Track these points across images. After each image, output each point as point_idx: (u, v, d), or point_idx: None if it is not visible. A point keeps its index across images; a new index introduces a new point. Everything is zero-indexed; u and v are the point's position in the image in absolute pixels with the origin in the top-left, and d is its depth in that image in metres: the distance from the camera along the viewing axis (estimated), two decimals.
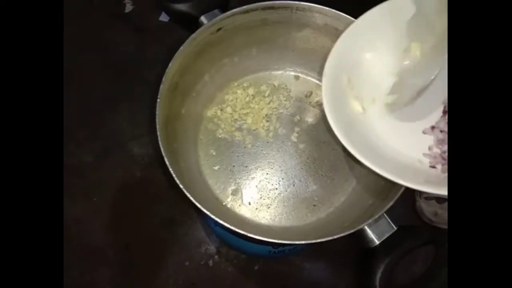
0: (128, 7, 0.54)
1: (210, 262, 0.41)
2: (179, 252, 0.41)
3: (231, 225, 0.28)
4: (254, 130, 0.41)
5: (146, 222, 0.42)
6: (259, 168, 0.40)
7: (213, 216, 0.28)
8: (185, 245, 0.42)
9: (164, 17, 0.52)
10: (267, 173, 0.40)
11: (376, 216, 0.30)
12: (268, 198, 0.39)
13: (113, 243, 0.41)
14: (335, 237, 0.28)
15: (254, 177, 0.39)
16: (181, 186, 0.29)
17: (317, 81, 0.43)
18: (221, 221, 0.28)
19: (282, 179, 0.40)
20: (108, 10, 0.53)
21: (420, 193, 0.42)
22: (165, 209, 0.43)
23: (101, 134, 0.46)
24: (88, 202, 0.43)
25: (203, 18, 0.36)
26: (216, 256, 0.42)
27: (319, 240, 0.28)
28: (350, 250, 0.40)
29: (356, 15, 0.33)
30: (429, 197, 0.41)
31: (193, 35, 0.33)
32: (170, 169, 0.29)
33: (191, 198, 0.29)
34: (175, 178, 0.29)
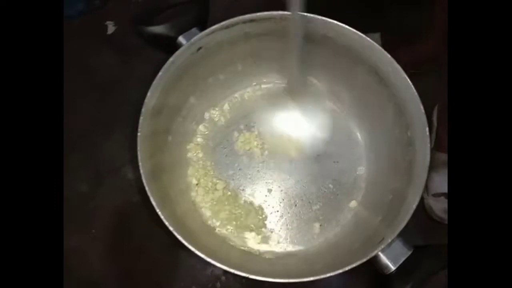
0: (111, 28, 0.53)
1: (218, 284, 0.39)
2: (184, 277, 0.40)
3: (229, 267, 0.26)
4: (248, 150, 0.39)
5: (147, 247, 0.41)
6: (256, 191, 0.37)
7: (209, 260, 0.26)
8: (190, 268, 0.40)
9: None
10: (265, 195, 0.37)
11: (389, 240, 0.27)
12: (269, 222, 0.36)
13: (114, 271, 0.40)
14: (346, 269, 0.26)
15: (252, 201, 0.37)
16: (170, 228, 0.27)
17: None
18: (219, 264, 0.26)
19: (283, 199, 0.37)
20: (91, 32, 0.52)
21: (428, 190, 0.39)
22: (165, 232, 0.42)
23: (93, 160, 0.45)
24: (86, 232, 0.41)
25: (181, 38, 0.34)
26: (223, 277, 0.40)
27: (328, 275, 0.26)
28: (361, 265, 0.38)
29: (341, 20, 0.32)
30: (437, 193, 0.39)
31: (170, 59, 0.31)
32: (158, 211, 0.27)
33: (183, 242, 0.26)
34: (164, 221, 0.27)
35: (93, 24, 0.52)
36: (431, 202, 0.39)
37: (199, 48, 0.33)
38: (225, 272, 0.39)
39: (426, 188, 0.39)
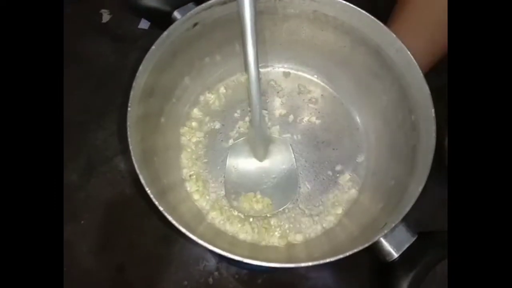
0: (106, 17, 0.52)
1: (210, 280, 0.39)
2: (176, 271, 0.39)
3: (225, 250, 0.24)
4: (244, 134, 0.37)
5: (139, 240, 0.40)
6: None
7: (203, 243, 0.24)
8: (182, 263, 0.39)
9: (143, 25, 0.50)
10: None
11: (392, 225, 0.26)
12: (267, 211, 0.35)
13: (105, 265, 0.39)
14: (347, 254, 0.24)
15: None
16: (160, 208, 0.25)
17: (309, 76, 0.40)
18: (213, 248, 0.24)
19: None
20: (85, 21, 0.52)
21: None
22: (158, 225, 0.41)
23: (85, 150, 0.44)
24: (76, 224, 0.41)
25: (176, 13, 0.33)
26: (216, 273, 0.39)
27: (328, 260, 0.24)
28: (358, 256, 0.37)
29: None
30: None
31: (165, 33, 0.30)
32: (148, 190, 0.25)
33: (175, 224, 0.25)
34: (154, 201, 0.25)
35: (88, 12, 0.51)
36: None
37: (195, 24, 0.32)
38: (218, 267, 0.39)
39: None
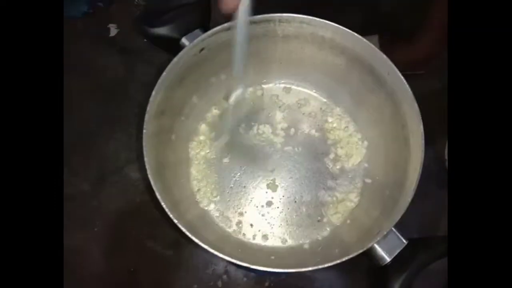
0: (113, 31, 0.53)
1: (219, 283, 0.40)
2: (186, 275, 0.40)
3: (232, 257, 0.27)
4: (249, 147, 0.40)
5: (149, 246, 0.41)
6: (257, 188, 0.38)
7: (211, 250, 0.27)
8: (192, 267, 0.41)
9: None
10: (266, 192, 0.38)
11: (385, 232, 0.28)
12: (270, 218, 0.37)
13: (116, 270, 0.40)
14: (344, 259, 0.27)
15: (253, 198, 0.38)
16: (175, 221, 0.28)
17: (308, 91, 0.42)
18: (220, 255, 0.27)
19: (283, 196, 0.38)
20: (93, 35, 0.53)
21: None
22: (167, 232, 0.42)
23: (96, 160, 0.45)
24: (88, 232, 0.42)
25: (184, 40, 0.35)
26: (225, 276, 0.40)
27: (326, 265, 0.27)
28: (362, 259, 0.39)
29: (339, 22, 0.33)
30: None
31: (174, 60, 0.32)
32: (163, 204, 0.28)
33: (187, 233, 0.27)
34: (167, 211, 0.28)
35: (96, 26, 0.52)
36: None
37: (202, 49, 0.34)
38: (227, 270, 0.40)
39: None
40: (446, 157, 0.42)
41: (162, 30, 0.35)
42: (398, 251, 0.29)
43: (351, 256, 0.27)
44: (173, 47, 0.35)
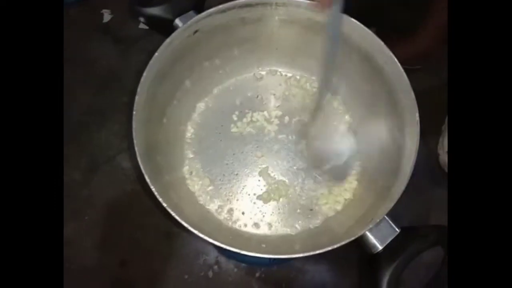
0: (107, 17, 0.52)
1: (210, 273, 0.40)
2: (177, 266, 0.40)
3: (222, 243, 0.26)
4: (242, 135, 0.39)
5: (140, 237, 0.41)
6: (250, 175, 0.38)
7: (201, 235, 0.26)
8: (183, 258, 0.40)
9: (144, 25, 0.50)
10: (258, 180, 0.38)
11: (377, 220, 0.28)
12: (262, 206, 0.37)
13: (108, 261, 0.40)
14: (335, 246, 0.27)
15: (245, 185, 0.38)
16: (164, 204, 0.27)
17: (304, 79, 0.41)
18: (211, 240, 0.26)
19: (276, 185, 0.38)
20: (86, 21, 0.52)
21: (443, 147, 0.40)
22: (159, 222, 0.42)
23: (87, 149, 0.45)
24: (79, 221, 0.41)
25: (177, 21, 0.34)
26: (216, 267, 0.40)
27: (318, 252, 0.26)
28: (353, 250, 0.39)
29: None
30: None
31: (167, 40, 0.31)
32: (152, 187, 0.27)
33: (177, 217, 0.27)
34: (158, 197, 0.27)
35: (89, 13, 0.52)
36: (446, 158, 0.40)
37: (196, 31, 0.33)
38: (217, 261, 0.40)
39: (442, 145, 0.40)
40: (439, 151, 0.42)
41: (155, 10, 0.34)
42: (390, 239, 0.29)
43: (342, 243, 0.27)
44: (166, 29, 0.34)
